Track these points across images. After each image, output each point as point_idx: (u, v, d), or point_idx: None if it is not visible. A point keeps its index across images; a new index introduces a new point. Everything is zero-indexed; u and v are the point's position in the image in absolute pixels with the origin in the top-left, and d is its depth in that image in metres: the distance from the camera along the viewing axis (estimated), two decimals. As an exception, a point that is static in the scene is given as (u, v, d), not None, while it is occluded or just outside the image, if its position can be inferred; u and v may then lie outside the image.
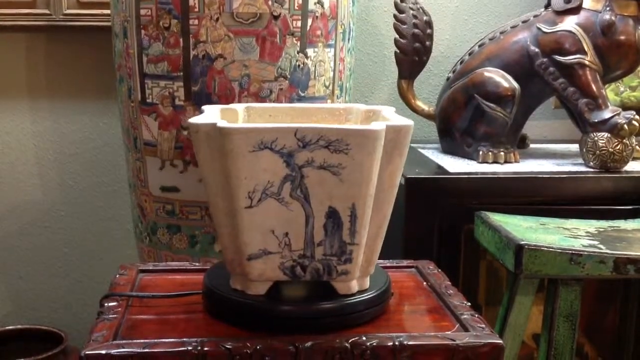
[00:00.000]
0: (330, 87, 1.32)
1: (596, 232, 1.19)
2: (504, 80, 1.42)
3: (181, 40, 1.23)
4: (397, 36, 1.54)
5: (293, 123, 0.93)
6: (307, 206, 0.82)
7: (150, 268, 1.07)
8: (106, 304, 0.91)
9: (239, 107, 0.99)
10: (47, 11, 1.65)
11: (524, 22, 1.48)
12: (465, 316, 0.90)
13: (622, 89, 1.67)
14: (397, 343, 0.82)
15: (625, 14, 1.40)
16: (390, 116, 0.93)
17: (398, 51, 1.55)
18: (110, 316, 0.88)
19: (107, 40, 1.43)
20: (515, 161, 1.45)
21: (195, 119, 0.83)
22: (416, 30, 1.52)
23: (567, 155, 1.55)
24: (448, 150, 1.54)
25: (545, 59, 1.42)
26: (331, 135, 0.79)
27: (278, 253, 0.84)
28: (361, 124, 0.99)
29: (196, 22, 1.22)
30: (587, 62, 1.40)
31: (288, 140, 0.79)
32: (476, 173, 1.37)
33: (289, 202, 0.82)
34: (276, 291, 0.87)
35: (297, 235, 0.84)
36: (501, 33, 1.50)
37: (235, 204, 0.81)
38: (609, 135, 1.38)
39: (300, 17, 1.24)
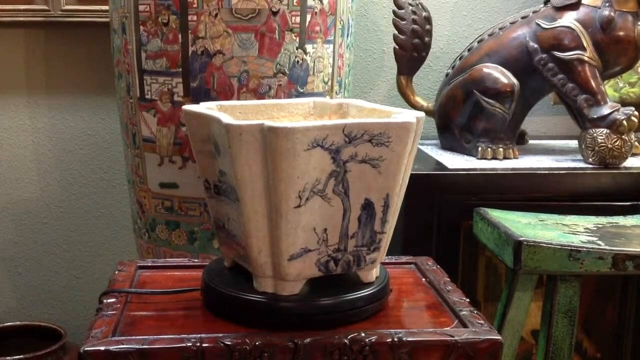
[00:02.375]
0: (329, 83, 1.32)
1: (595, 228, 1.19)
2: (503, 76, 1.42)
3: (180, 36, 1.23)
4: (396, 32, 1.53)
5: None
6: (346, 200, 0.84)
7: (149, 264, 1.06)
8: (105, 300, 0.91)
9: (212, 105, 0.97)
10: (45, 7, 1.64)
11: (523, 18, 1.48)
12: (464, 312, 0.90)
13: (621, 85, 1.67)
14: (396, 339, 0.82)
15: (625, 9, 1.40)
16: (369, 106, 0.96)
17: (397, 47, 1.54)
18: (109, 312, 0.88)
19: (106, 36, 1.43)
20: (514, 157, 1.45)
21: (233, 121, 0.80)
22: (415, 26, 1.52)
23: (566, 151, 1.55)
24: (447, 146, 1.54)
25: (544, 55, 1.42)
26: (374, 130, 0.82)
27: (316, 250, 0.84)
28: (331, 117, 0.99)
29: (195, 18, 1.21)
30: (586, 58, 1.40)
31: (337, 137, 0.80)
32: (475, 169, 1.37)
33: (331, 198, 0.83)
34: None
35: (334, 230, 0.84)
36: (500, 29, 1.49)
37: (284, 204, 0.80)
38: (608, 131, 1.38)
39: (299, 13, 1.24)
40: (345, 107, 1.00)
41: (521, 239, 1.09)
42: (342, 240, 0.85)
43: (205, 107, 0.92)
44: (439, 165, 1.40)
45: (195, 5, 1.21)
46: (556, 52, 1.41)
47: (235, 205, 0.84)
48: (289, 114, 0.99)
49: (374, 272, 0.91)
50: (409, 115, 0.86)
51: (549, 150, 1.57)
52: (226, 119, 0.81)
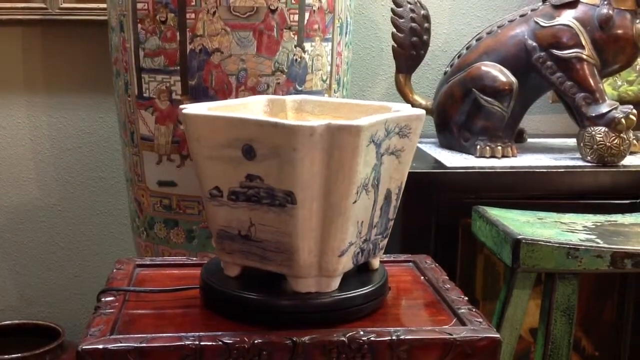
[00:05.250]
0: (328, 82, 1.32)
1: (593, 226, 1.19)
2: (501, 74, 1.42)
3: (178, 34, 1.22)
4: (394, 30, 1.53)
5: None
6: (377, 192, 0.86)
7: (148, 263, 1.06)
8: (103, 299, 0.91)
9: (203, 106, 0.96)
10: (43, 5, 1.64)
11: (521, 16, 1.48)
12: (462, 310, 0.90)
13: (619, 83, 1.67)
14: (394, 337, 0.82)
15: (623, 7, 1.40)
16: (336, 101, 1.00)
17: (395, 45, 1.54)
18: (107, 311, 0.88)
19: (104, 34, 1.42)
20: (513, 155, 1.45)
21: (302, 122, 0.79)
22: (414, 24, 1.52)
23: (564, 150, 1.55)
24: (445, 144, 1.54)
25: (542, 53, 1.42)
26: (402, 122, 0.86)
27: (354, 243, 0.86)
28: (287, 115, 1.00)
29: (193, 15, 1.21)
30: (584, 56, 1.40)
31: (381, 131, 0.83)
32: (474, 167, 1.37)
33: (369, 191, 0.84)
34: (274, 285, 0.87)
35: (366, 222, 0.86)
36: (499, 27, 1.49)
37: (345, 201, 0.81)
38: (606, 129, 1.37)
39: (297, 11, 1.24)
40: (301, 103, 1.01)
41: (519, 237, 1.09)
42: (369, 231, 0.87)
43: (200, 110, 0.91)
44: (438, 164, 1.40)
45: (193, 3, 1.21)
46: (555, 50, 1.41)
47: (276, 210, 0.82)
48: (251, 111, 0.98)
49: (378, 259, 0.95)
50: (413, 109, 0.90)
51: (548, 148, 1.57)
52: (289, 121, 0.80)
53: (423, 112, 0.89)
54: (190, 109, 0.87)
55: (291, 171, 0.79)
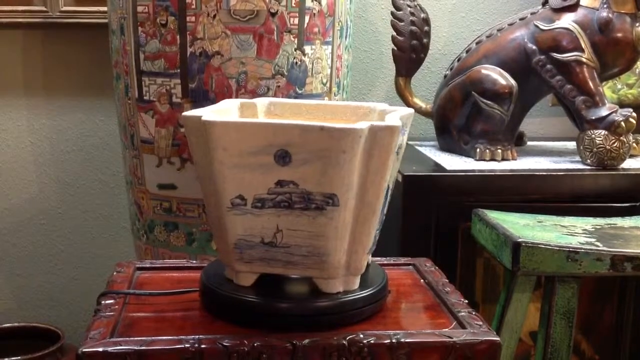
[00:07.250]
0: (328, 85, 1.32)
1: (593, 229, 1.19)
2: (501, 77, 1.42)
3: (178, 37, 1.23)
4: (394, 33, 1.54)
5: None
6: (384, 189, 0.87)
7: (148, 265, 1.06)
8: (103, 302, 0.91)
9: (208, 111, 0.97)
10: (43, 8, 1.64)
11: (521, 19, 1.48)
12: (462, 313, 0.90)
13: (619, 86, 1.67)
14: (394, 340, 0.82)
15: (623, 11, 1.40)
16: (312, 103, 1.02)
17: (395, 48, 1.54)
18: (108, 314, 0.88)
19: (104, 37, 1.43)
20: (513, 159, 1.45)
21: (352, 125, 0.79)
22: (413, 28, 1.52)
23: (564, 153, 1.55)
24: (445, 147, 1.54)
25: (542, 57, 1.42)
26: (403, 119, 0.87)
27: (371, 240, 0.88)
28: (261, 116, 1.01)
29: (193, 19, 1.22)
30: (584, 60, 1.40)
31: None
32: (473, 170, 1.37)
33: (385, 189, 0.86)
34: (273, 287, 0.87)
35: (377, 219, 0.87)
36: (498, 30, 1.50)
37: (379, 199, 0.83)
38: (606, 132, 1.38)
39: (297, 14, 1.24)
40: (270, 106, 1.02)
41: (519, 240, 1.09)
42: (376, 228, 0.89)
43: (226, 117, 0.91)
44: (437, 167, 1.40)
45: (193, 7, 1.21)
46: (554, 54, 1.41)
47: (311, 214, 0.81)
48: (230, 115, 0.98)
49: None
50: (404, 109, 0.93)
51: (547, 151, 1.57)
52: (335, 124, 0.79)
53: (412, 110, 0.93)
54: (208, 116, 0.83)
55: (336, 174, 0.79)
